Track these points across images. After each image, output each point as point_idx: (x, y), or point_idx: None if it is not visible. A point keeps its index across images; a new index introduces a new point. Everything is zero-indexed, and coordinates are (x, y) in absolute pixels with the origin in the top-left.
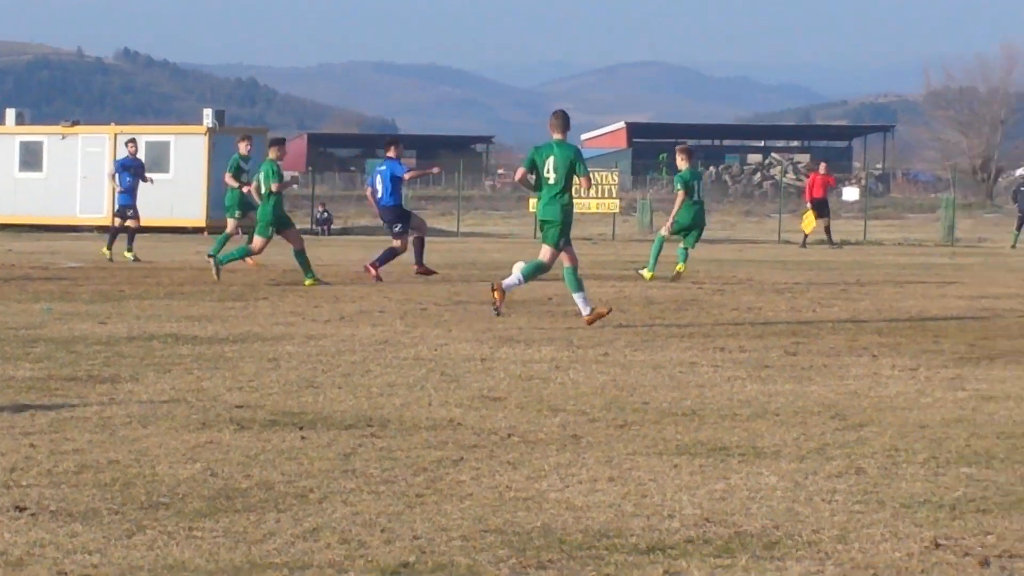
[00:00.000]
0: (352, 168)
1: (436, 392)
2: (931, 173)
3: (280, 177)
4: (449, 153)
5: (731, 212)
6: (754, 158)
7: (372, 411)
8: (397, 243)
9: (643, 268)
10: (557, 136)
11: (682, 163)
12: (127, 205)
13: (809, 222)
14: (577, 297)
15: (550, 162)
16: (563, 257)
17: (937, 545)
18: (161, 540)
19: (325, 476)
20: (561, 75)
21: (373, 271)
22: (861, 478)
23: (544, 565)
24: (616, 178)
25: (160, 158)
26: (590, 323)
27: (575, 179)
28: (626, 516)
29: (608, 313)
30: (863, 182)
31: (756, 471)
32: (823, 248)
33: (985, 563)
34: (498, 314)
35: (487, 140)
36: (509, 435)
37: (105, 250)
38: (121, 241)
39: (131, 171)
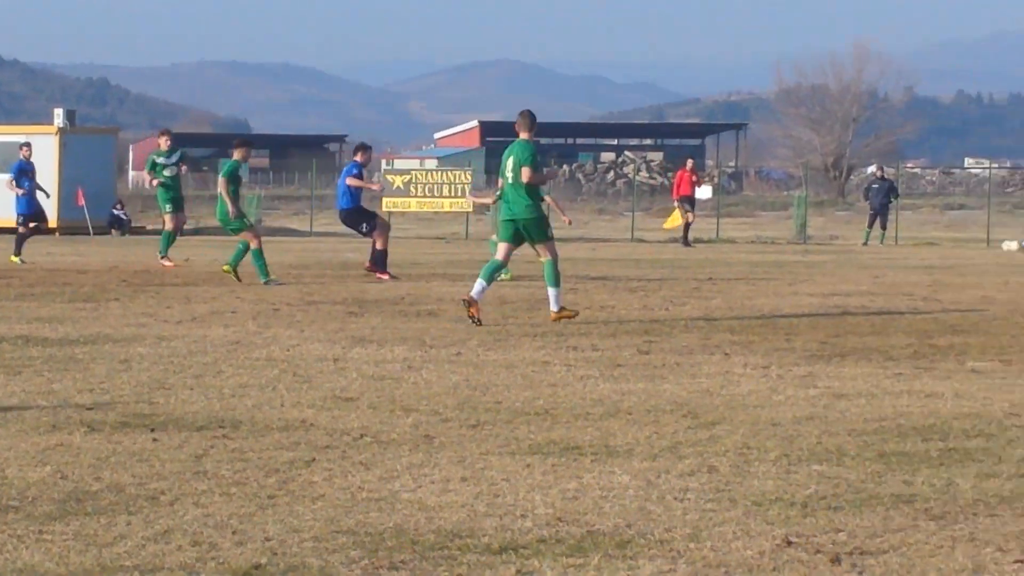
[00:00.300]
0: (205, 168)
1: (288, 393)
2: (783, 171)
3: (232, 175)
4: (302, 152)
5: (584, 210)
6: (607, 156)
7: (224, 412)
8: (377, 243)
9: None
10: (523, 135)
11: None
12: (27, 211)
13: (675, 219)
14: (552, 292)
15: (509, 162)
16: (541, 250)
17: (789, 543)
18: (11, 543)
19: (177, 478)
20: (415, 73)
21: (386, 276)
22: (713, 476)
23: (396, 566)
24: (470, 177)
25: (11, 158)
26: (555, 320)
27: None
28: (479, 516)
29: (575, 316)
30: (716, 180)
31: (608, 470)
32: (675, 246)
33: (836, 560)
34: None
35: (340, 139)
36: (361, 436)
37: (13, 257)
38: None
39: (28, 175)
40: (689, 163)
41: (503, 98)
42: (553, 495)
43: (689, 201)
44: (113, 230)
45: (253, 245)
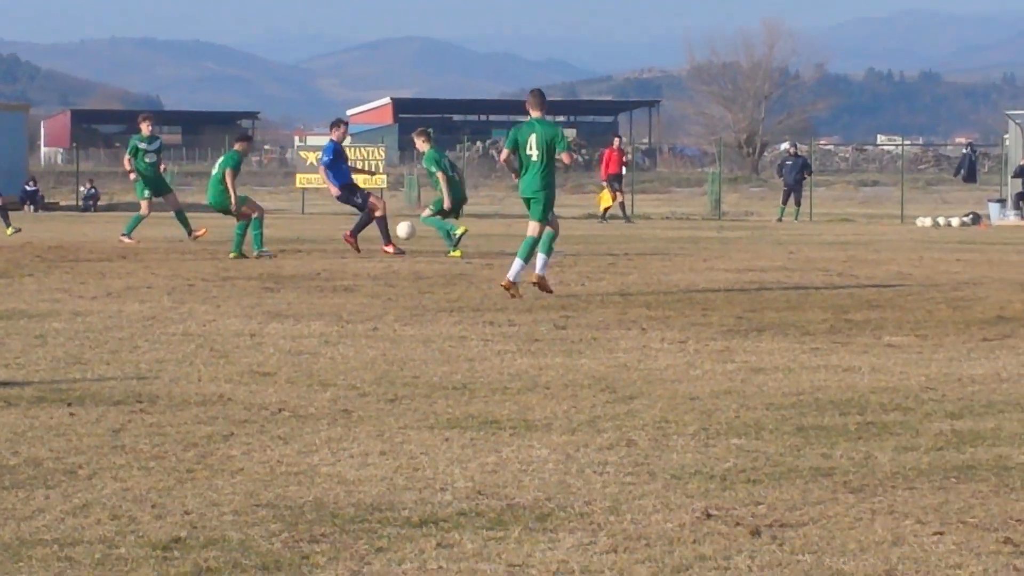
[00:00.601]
0: (117, 144)
1: (205, 368)
2: (697, 148)
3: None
4: (215, 129)
5: (499, 187)
6: None
7: (141, 387)
8: (375, 211)
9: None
10: (536, 114)
11: (423, 145)
12: None
13: (606, 198)
14: (541, 257)
15: (532, 140)
16: (535, 226)
17: (708, 515)
18: None
19: (94, 452)
20: (325, 50)
21: (390, 249)
22: (632, 450)
23: (317, 539)
24: (383, 153)
25: None
26: (534, 283)
27: (557, 155)
28: (398, 489)
29: (551, 292)
30: (629, 156)
31: (527, 444)
32: (619, 223)
33: (756, 532)
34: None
35: (253, 116)
36: (280, 410)
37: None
38: None
39: None
40: (616, 141)
41: (415, 75)
42: (472, 469)
43: (618, 179)
44: (25, 206)
45: (256, 215)
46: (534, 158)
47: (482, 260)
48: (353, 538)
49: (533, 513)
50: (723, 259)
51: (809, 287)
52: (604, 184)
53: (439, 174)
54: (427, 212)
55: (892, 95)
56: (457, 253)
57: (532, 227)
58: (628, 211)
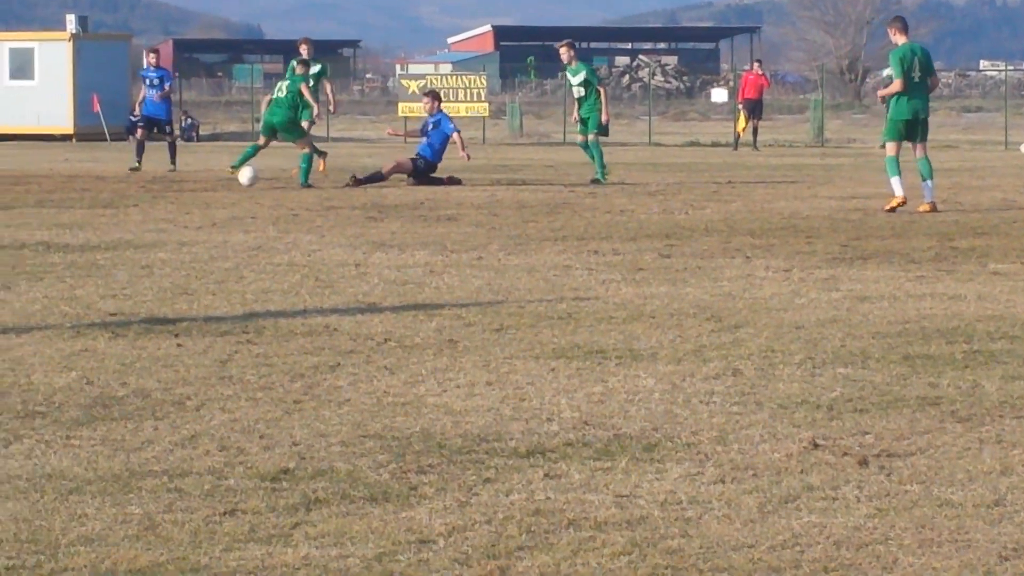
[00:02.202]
0: (219, 73)
1: (311, 298)
2: (799, 74)
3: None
4: (316, 58)
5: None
6: (621, 60)
7: (248, 317)
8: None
9: (597, 177)
10: (904, 39)
11: (575, 60)
12: None
13: (743, 123)
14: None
15: (916, 62)
16: (920, 148)
17: (815, 445)
18: (39, 449)
19: (202, 383)
20: None
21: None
22: (738, 379)
23: (424, 470)
24: (484, 81)
25: (24, 65)
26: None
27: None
28: (505, 420)
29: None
30: (731, 84)
31: (633, 374)
32: (747, 150)
33: (863, 462)
34: None
35: (354, 44)
36: (385, 340)
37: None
38: None
39: None
40: (755, 65)
41: (514, 2)
42: (579, 399)
43: (753, 106)
44: (130, 136)
45: (307, 150)
46: (917, 80)
47: (585, 189)
48: (460, 469)
49: (640, 443)
50: (827, 186)
51: (913, 214)
52: (740, 107)
53: (601, 90)
54: (592, 137)
55: (995, 20)
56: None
57: (920, 149)
58: (745, 139)
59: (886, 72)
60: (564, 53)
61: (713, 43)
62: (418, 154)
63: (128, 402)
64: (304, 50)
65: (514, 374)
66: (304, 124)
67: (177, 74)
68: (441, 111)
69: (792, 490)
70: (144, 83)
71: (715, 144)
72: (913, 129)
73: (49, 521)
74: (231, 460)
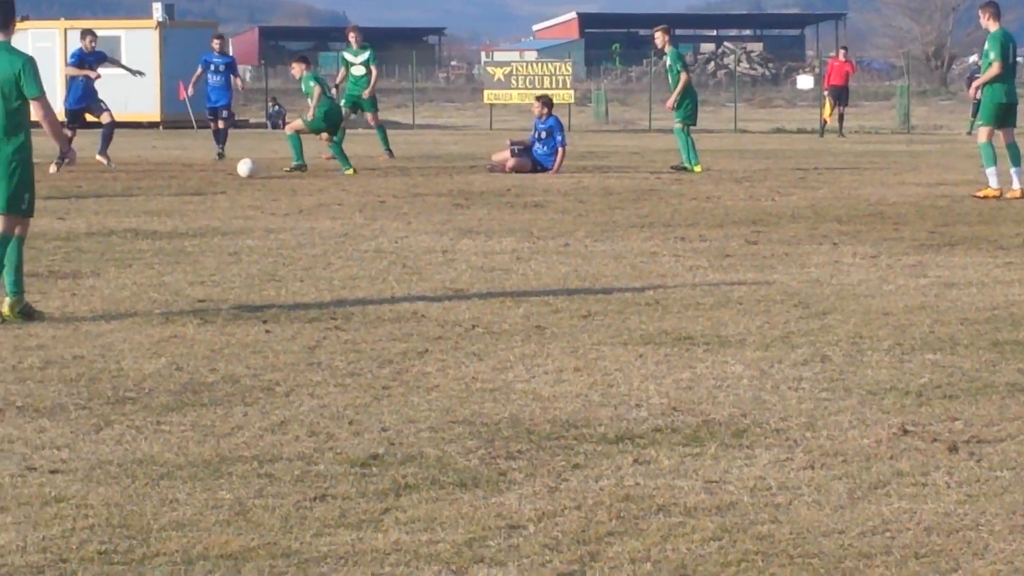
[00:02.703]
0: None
1: (398, 284)
2: (884, 61)
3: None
4: (401, 45)
5: None
6: (707, 47)
7: (335, 304)
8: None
9: (683, 164)
10: (998, 25)
11: (668, 45)
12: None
13: (828, 110)
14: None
15: (1011, 48)
16: (1007, 133)
17: (905, 431)
18: (129, 434)
19: (291, 369)
20: None
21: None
22: (827, 366)
23: (513, 455)
24: (570, 69)
25: (111, 53)
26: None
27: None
28: (593, 406)
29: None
30: (817, 70)
31: (722, 360)
32: (833, 137)
33: (953, 448)
34: None
35: (439, 32)
36: (473, 326)
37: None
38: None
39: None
40: (841, 52)
41: None
42: (667, 385)
43: (839, 92)
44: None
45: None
46: (1011, 64)
47: (671, 176)
48: (549, 454)
49: (729, 429)
50: (913, 173)
51: (1001, 200)
52: (827, 93)
53: (684, 75)
54: (678, 124)
55: None
56: (698, 168)
57: (1007, 134)
58: (831, 126)
59: (972, 59)
60: (659, 38)
61: (799, 29)
62: (539, 164)
63: (218, 388)
64: (353, 38)
65: (602, 360)
66: (367, 115)
67: (263, 62)
68: (553, 116)
69: (882, 476)
70: (208, 69)
71: (800, 131)
72: (1006, 114)
73: (141, 506)
74: (321, 446)
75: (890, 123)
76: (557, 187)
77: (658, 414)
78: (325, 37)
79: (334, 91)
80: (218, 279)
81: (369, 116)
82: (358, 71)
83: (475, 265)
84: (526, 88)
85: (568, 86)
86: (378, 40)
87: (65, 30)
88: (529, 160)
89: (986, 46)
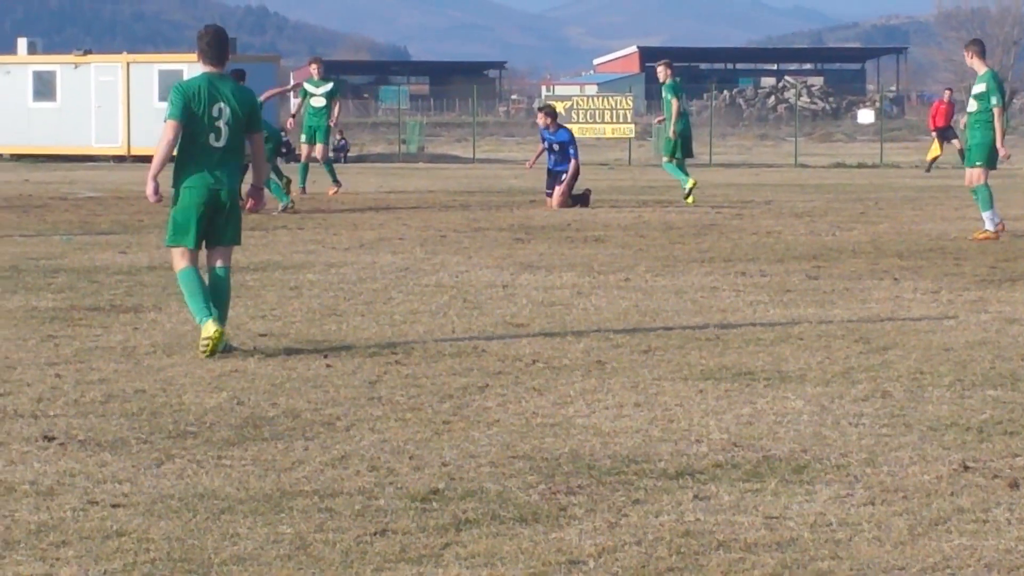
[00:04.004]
0: (366, 95)
1: (459, 319)
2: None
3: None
4: (462, 79)
5: (746, 136)
6: (767, 81)
7: (396, 338)
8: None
9: (686, 189)
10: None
11: (670, 78)
12: None
13: (935, 150)
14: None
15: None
16: None
17: (966, 468)
18: (191, 469)
19: (352, 403)
20: None
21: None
22: (887, 401)
23: (574, 491)
24: (631, 103)
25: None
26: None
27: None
28: (654, 441)
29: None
30: (877, 104)
31: (782, 395)
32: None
33: (1014, 485)
34: None
35: (500, 66)
36: (534, 361)
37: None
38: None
39: None
40: (946, 94)
41: (660, 23)
42: (727, 420)
43: (944, 133)
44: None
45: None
46: None
47: (732, 210)
48: (610, 490)
49: (789, 465)
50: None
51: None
52: (934, 136)
53: (674, 102)
54: (664, 158)
55: None
56: (690, 200)
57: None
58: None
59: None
60: (661, 72)
61: (859, 64)
62: (561, 178)
63: (278, 422)
64: (315, 69)
65: (662, 395)
66: (318, 146)
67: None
68: (564, 128)
69: (942, 512)
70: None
71: (861, 165)
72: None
73: (202, 540)
74: (381, 480)
75: (951, 158)
76: (618, 222)
77: (718, 449)
78: (385, 71)
79: (290, 122)
80: (279, 313)
81: (320, 147)
82: (318, 102)
83: (535, 300)
84: (587, 122)
85: (629, 120)
86: (439, 74)
87: (128, 64)
88: (557, 186)
89: (982, 87)
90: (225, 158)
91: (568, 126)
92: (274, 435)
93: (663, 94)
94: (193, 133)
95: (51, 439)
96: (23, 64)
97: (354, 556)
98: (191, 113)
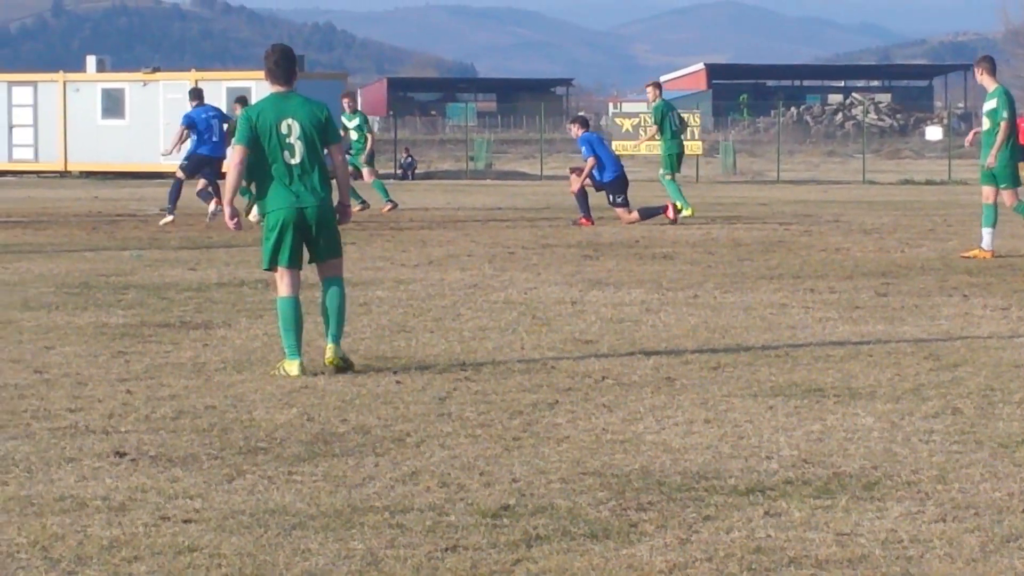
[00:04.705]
0: (433, 112)
1: (528, 335)
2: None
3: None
4: (529, 96)
5: (814, 153)
6: (835, 98)
7: (465, 355)
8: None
9: (681, 211)
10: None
11: (658, 98)
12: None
13: None
14: None
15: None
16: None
17: None
18: (261, 484)
19: (421, 420)
20: (637, 16)
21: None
22: (958, 418)
23: (644, 507)
24: (698, 119)
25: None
26: None
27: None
28: (724, 458)
29: None
30: (945, 121)
31: (852, 412)
32: (960, 188)
33: None
34: None
35: (567, 83)
36: (603, 378)
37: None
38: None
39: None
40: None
41: (727, 40)
42: (797, 437)
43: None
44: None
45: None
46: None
47: (800, 227)
48: (680, 506)
49: (860, 482)
50: None
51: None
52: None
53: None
54: (663, 173)
55: None
56: (690, 211)
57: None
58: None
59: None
60: (650, 93)
61: (927, 80)
62: (597, 182)
63: (349, 438)
64: (347, 104)
65: (732, 412)
66: (364, 171)
67: (391, 113)
68: (585, 134)
69: (1014, 529)
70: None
71: (929, 182)
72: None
73: (273, 556)
74: (452, 496)
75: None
76: (686, 238)
77: (789, 466)
78: (453, 88)
79: None
80: (349, 330)
81: (365, 172)
82: (352, 136)
83: (604, 316)
84: (654, 139)
85: (696, 137)
86: (506, 92)
87: (196, 81)
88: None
89: (992, 104)
90: (304, 174)
91: (637, 142)
92: (344, 451)
93: (652, 115)
94: (267, 154)
95: (122, 455)
96: (92, 82)
97: (425, 572)
98: (258, 135)
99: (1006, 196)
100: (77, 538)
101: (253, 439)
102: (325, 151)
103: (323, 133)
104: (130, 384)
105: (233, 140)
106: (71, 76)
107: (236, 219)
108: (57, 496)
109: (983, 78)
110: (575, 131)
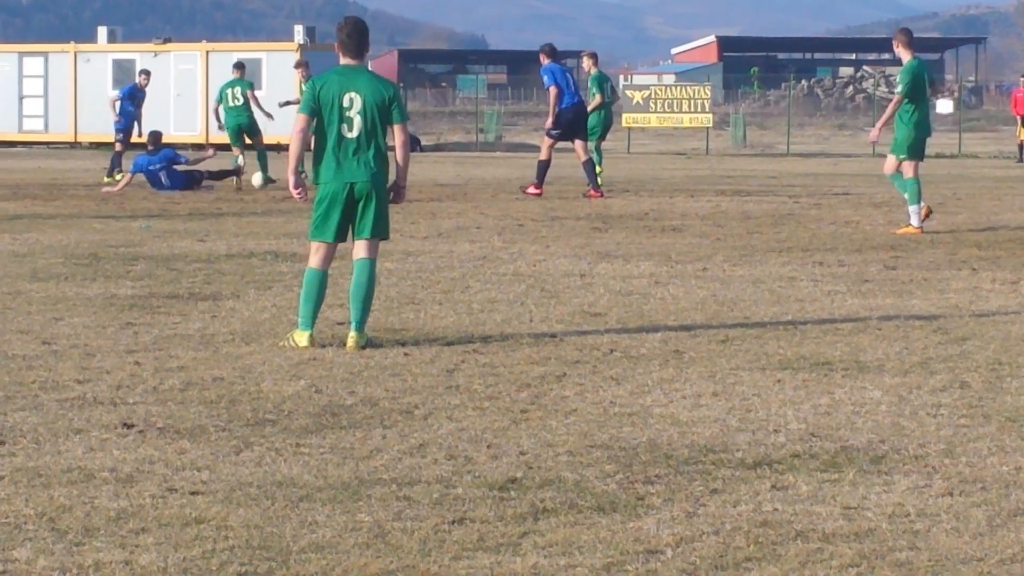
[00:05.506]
0: (443, 84)
1: (537, 308)
2: None
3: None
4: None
5: (824, 126)
6: (846, 71)
7: (474, 327)
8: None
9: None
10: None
11: (594, 68)
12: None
13: (1021, 134)
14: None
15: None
16: None
17: None
18: (269, 456)
19: (429, 392)
20: None
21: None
22: (966, 392)
23: (651, 480)
24: (709, 92)
25: (252, 75)
26: None
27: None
28: (731, 431)
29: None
30: (956, 95)
31: (860, 385)
32: (971, 161)
33: None
34: None
35: (577, 55)
36: (611, 350)
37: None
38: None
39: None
40: (1023, 80)
41: (738, 13)
42: (805, 410)
43: None
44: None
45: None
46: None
47: (809, 200)
48: (687, 479)
49: (867, 455)
50: None
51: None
52: (1019, 121)
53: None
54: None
55: None
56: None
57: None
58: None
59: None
60: (585, 62)
61: (938, 54)
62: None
63: (356, 411)
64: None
65: (740, 385)
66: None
67: (402, 84)
68: (549, 64)
69: (1022, 503)
70: None
71: (939, 155)
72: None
73: (280, 528)
74: (459, 469)
75: None
76: (695, 211)
77: (796, 440)
78: (463, 60)
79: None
80: None
81: None
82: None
83: (613, 289)
84: (665, 112)
85: (707, 110)
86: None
87: (207, 52)
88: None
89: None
90: (359, 149)
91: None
92: (352, 423)
93: (588, 85)
94: (326, 125)
95: (130, 426)
96: (103, 52)
97: (432, 544)
98: (320, 105)
99: (904, 167)
100: (84, 510)
101: (261, 411)
102: (388, 130)
103: (386, 111)
104: (138, 355)
105: (297, 108)
106: (82, 47)
107: (300, 188)
108: (64, 468)
109: (899, 50)
110: (543, 59)
